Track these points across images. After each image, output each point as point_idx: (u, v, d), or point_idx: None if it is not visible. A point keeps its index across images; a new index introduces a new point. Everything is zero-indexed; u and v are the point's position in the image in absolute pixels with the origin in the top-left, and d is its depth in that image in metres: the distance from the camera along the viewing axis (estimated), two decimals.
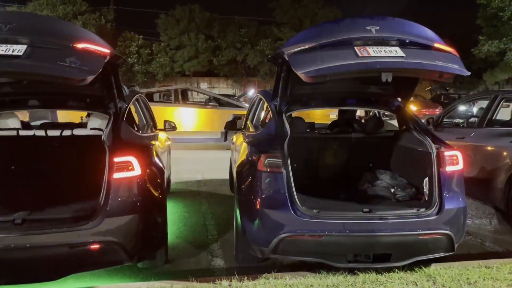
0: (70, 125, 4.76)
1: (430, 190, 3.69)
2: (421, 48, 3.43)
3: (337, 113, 6.00)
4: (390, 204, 3.92)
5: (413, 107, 20.36)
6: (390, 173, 4.49)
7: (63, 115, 9.00)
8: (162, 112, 11.17)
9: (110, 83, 3.83)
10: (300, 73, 3.24)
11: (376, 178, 4.42)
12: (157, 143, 4.94)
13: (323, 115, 11.51)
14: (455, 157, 3.73)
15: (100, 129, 4.18)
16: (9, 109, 4.33)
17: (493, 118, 5.69)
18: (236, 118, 6.45)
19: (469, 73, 3.39)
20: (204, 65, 35.73)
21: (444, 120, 6.76)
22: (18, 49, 2.98)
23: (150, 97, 11.70)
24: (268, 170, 3.58)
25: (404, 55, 3.29)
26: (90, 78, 2.99)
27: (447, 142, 4.00)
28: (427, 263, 3.76)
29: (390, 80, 3.31)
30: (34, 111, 6.04)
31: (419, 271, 3.68)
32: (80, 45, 3.16)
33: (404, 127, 4.52)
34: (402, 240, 3.53)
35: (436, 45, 3.47)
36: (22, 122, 4.55)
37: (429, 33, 3.61)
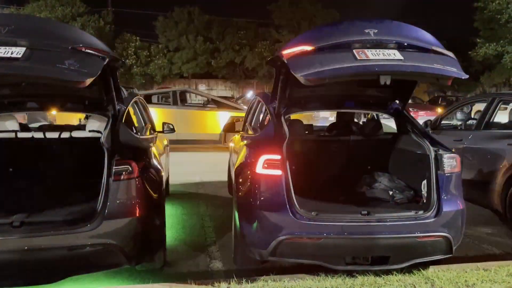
0: (69, 127, 4.76)
1: (428, 192, 3.70)
2: (420, 51, 3.45)
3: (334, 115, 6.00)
4: (389, 206, 3.93)
5: (410, 109, 20.40)
6: (389, 175, 4.49)
7: (60, 117, 8.99)
8: (160, 114, 11.18)
9: (109, 85, 3.83)
10: (299, 76, 3.25)
11: (375, 181, 4.43)
12: (155, 145, 4.93)
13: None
14: (453, 160, 3.75)
15: (98, 132, 4.19)
16: (7, 111, 4.32)
17: (491, 120, 5.70)
18: (235, 120, 6.47)
19: (467, 76, 3.41)
20: (202, 67, 35.72)
21: (442, 122, 6.77)
22: (17, 52, 2.98)
23: (148, 99, 11.70)
24: (267, 172, 3.59)
25: (402, 58, 3.31)
26: (89, 81, 2.99)
27: (445, 144, 4.01)
28: (425, 265, 3.77)
29: (388, 83, 3.32)
30: (32, 113, 6.04)
31: (417, 273, 3.69)
32: (79, 48, 3.17)
33: (402, 129, 4.53)
34: (401, 242, 3.54)
35: (434, 48, 3.49)
36: (20, 124, 4.55)
37: (427, 36, 3.63)
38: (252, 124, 5.47)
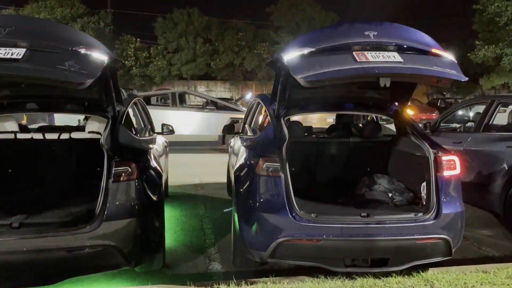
0: (68, 129, 4.75)
1: (428, 194, 3.70)
2: (419, 54, 3.46)
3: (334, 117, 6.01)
4: (388, 208, 3.93)
5: (410, 112, 20.41)
6: (388, 177, 4.49)
7: (60, 118, 8.98)
8: (159, 115, 11.17)
9: (109, 87, 3.83)
10: (299, 78, 3.25)
11: (374, 183, 4.43)
12: (155, 146, 4.94)
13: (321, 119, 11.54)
14: (452, 162, 3.75)
15: (98, 133, 4.19)
16: (7, 112, 4.32)
17: (490, 123, 5.71)
18: (234, 121, 6.46)
19: (466, 79, 3.41)
20: (201, 69, 35.74)
21: (441, 124, 6.78)
22: (17, 53, 2.98)
23: (147, 100, 11.70)
24: (266, 174, 3.59)
25: (402, 60, 3.31)
26: (89, 82, 2.99)
27: (444, 146, 4.02)
28: (424, 267, 3.77)
29: (388, 85, 3.33)
30: (32, 114, 6.03)
31: (416, 275, 3.69)
32: (79, 49, 3.16)
33: (402, 131, 4.54)
34: (400, 244, 3.54)
35: (434, 50, 3.49)
36: (20, 125, 4.54)
37: (427, 38, 3.64)
38: (252, 125, 5.48)
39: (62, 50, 3.14)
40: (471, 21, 27.71)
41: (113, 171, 3.36)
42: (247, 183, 3.80)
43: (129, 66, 32.90)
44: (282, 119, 4.11)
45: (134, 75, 33.71)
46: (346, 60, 3.29)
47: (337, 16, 35.99)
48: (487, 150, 5.34)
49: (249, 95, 25.84)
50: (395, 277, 3.64)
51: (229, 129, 5.95)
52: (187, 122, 11.95)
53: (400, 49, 3.40)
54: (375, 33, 3.41)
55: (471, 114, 9.37)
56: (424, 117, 20.05)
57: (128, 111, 4.34)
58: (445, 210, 3.59)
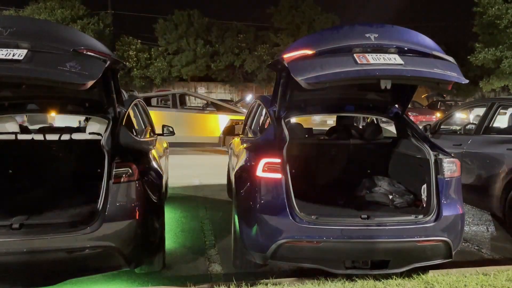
0: (69, 130, 4.76)
1: (428, 196, 3.70)
2: (420, 56, 3.46)
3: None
4: (388, 210, 3.93)
5: (410, 114, 20.42)
6: (388, 179, 4.50)
7: (60, 119, 8.98)
8: (159, 116, 11.17)
9: (110, 88, 3.83)
10: (300, 80, 3.25)
11: (374, 185, 4.44)
12: (155, 148, 4.94)
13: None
14: (453, 164, 3.75)
15: (99, 134, 4.19)
16: (7, 113, 4.32)
17: (490, 125, 5.72)
18: (234, 123, 6.46)
19: (467, 81, 3.42)
20: (201, 70, 35.75)
21: (441, 127, 6.79)
22: (19, 54, 2.98)
23: (148, 101, 11.69)
24: (267, 175, 3.59)
25: (402, 62, 3.31)
26: (90, 83, 3.00)
27: (444, 149, 4.02)
28: (425, 270, 3.77)
29: (389, 87, 3.33)
30: (33, 115, 6.03)
31: (417, 277, 3.69)
32: (80, 50, 3.17)
33: (402, 133, 4.54)
34: (400, 246, 3.54)
35: (435, 53, 3.50)
36: (20, 126, 4.54)
37: (428, 41, 3.64)
38: (252, 127, 5.48)
39: (64, 51, 3.14)
40: (471, 23, 27.74)
41: (114, 172, 3.36)
42: (248, 185, 3.80)
43: (130, 68, 32.91)
44: (282, 121, 4.11)
45: (134, 77, 33.73)
46: (347, 62, 3.30)
47: (338, 18, 36.01)
48: (487, 153, 5.35)
49: (249, 97, 25.88)
50: (395, 279, 3.64)
51: (230, 131, 5.96)
52: (187, 123, 11.96)
53: (400, 51, 3.41)
54: (376, 35, 3.42)
55: (471, 116, 9.40)
56: (424, 119, 20.07)
57: (128, 112, 4.35)
58: (445, 212, 3.59)
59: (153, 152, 4.59)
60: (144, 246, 3.53)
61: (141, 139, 4.51)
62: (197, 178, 8.54)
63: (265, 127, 4.73)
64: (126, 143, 3.73)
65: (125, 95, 4.80)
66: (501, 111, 5.95)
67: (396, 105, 4.69)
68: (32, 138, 4.39)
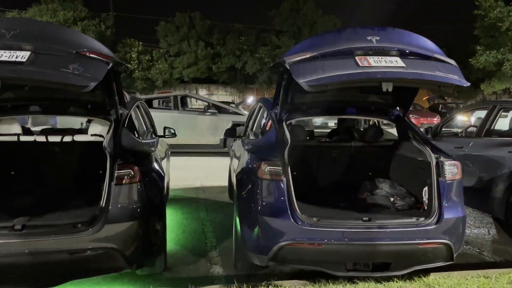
0: (71, 131, 4.77)
1: (430, 199, 3.70)
2: (421, 59, 3.47)
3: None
4: (390, 213, 3.94)
5: (411, 116, 20.41)
6: (390, 182, 4.50)
7: (61, 120, 9.00)
8: (161, 118, 11.19)
9: (112, 90, 3.85)
10: (301, 82, 3.26)
11: (376, 187, 4.44)
12: (157, 149, 4.95)
13: None
14: (454, 167, 3.75)
15: (101, 135, 4.20)
16: (10, 114, 4.33)
17: (492, 128, 5.72)
18: (235, 125, 6.46)
19: (468, 84, 3.42)
20: (203, 72, 35.77)
21: (443, 129, 6.79)
22: (22, 56, 3.00)
23: (149, 103, 11.71)
24: (269, 177, 3.60)
25: (404, 65, 3.32)
26: (93, 85, 3.00)
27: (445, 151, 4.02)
28: (426, 272, 3.77)
29: (390, 90, 3.33)
30: (35, 116, 6.04)
31: (418, 280, 3.69)
32: (83, 52, 3.18)
33: (404, 136, 4.55)
34: (402, 249, 3.54)
35: (436, 55, 3.51)
36: (23, 128, 4.55)
37: (429, 43, 3.65)
38: (254, 129, 5.49)
39: (66, 53, 3.16)
40: (473, 26, 27.75)
41: (116, 174, 3.37)
42: (249, 187, 3.81)
43: (132, 70, 32.96)
44: (284, 123, 4.12)
45: (136, 78, 33.78)
46: (349, 65, 3.31)
47: (339, 20, 36.01)
48: (488, 155, 5.34)
49: (250, 99, 25.92)
50: (396, 281, 3.64)
51: (231, 133, 5.97)
52: (189, 125, 11.97)
53: (402, 54, 3.41)
54: (378, 38, 3.43)
55: (473, 119, 9.39)
56: (425, 122, 20.06)
57: (131, 114, 4.36)
58: (446, 215, 3.59)
59: (155, 154, 4.60)
60: (145, 247, 3.54)
61: (143, 141, 4.52)
62: (198, 180, 8.55)
63: (267, 129, 4.74)
64: (128, 145, 3.74)
65: (127, 97, 4.81)
66: (503, 113, 5.95)
67: (398, 108, 4.70)
68: (35, 140, 4.40)
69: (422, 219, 3.60)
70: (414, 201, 4.11)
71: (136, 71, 33.49)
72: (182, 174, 8.51)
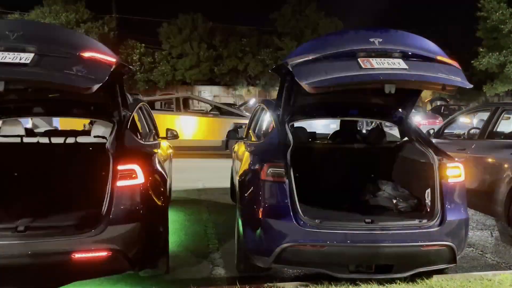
0: (74, 133, 4.78)
1: (432, 201, 3.70)
2: (424, 60, 3.47)
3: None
4: (392, 215, 3.93)
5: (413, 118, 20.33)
6: (392, 183, 4.49)
7: (64, 122, 9.04)
8: (163, 120, 11.22)
9: (115, 91, 3.86)
10: (304, 84, 3.26)
11: (378, 189, 4.43)
12: (159, 151, 4.95)
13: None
14: (457, 169, 3.75)
15: (103, 137, 4.21)
16: (13, 116, 4.35)
17: (494, 130, 5.71)
18: (238, 127, 6.47)
19: (471, 86, 3.43)
20: (205, 74, 35.80)
21: (445, 131, 6.78)
22: (26, 57, 3.01)
23: (151, 105, 11.73)
24: (271, 179, 3.60)
25: (407, 67, 3.32)
26: (96, 87, 3.01)
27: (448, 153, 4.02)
28: (429, 274, 3.76)
29: (393, 91, 3.34)
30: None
31: (421, 282, 3.68)
32: (86, 54, 3.19)
33: (406, 138, 4.54)
34: (404, 251, 3.54)
35: (439, 57, 3.51)
36: (26, 129, 4.57)
37: (432, 45, 3.65)
38: (256, 131, 5.49)
39: (70, 55, 3.17)
40: (475, 28, 27.73)
41: (119, 175, 3.38)
42: (251, 188, 3.81)
43: (134, 71, 33.03)
44: (286, 125, 4.12)
45: (138, 80, 33.84)
46: (351, 67, 3.31)
47: (342, 22, 35.99)
48: (491, 157, 5.34)
49: (252, 101, 25.92)
50: (399, 283, 3.63)
51: (233, 134, 5.97)
52: (191, 127, 11.99)
53: (405, 56, 3.42)
54: (380, 40, 3.43)
55: (475, 121, 9.38)
56: (427, 124, 20.02)
57: (133, 115, 4.37)
58: (449, 217, 3.59)
59: (158, 155, 4.61)
60: (148, 249, 3.54)
61: (146, 143, 4.53)
62: (200, 181, 8.56)
63: (269, 131, 4.74)
64: (130, 147, 3.74)
65: (130, 98, 4.82)
66: (505, 115, 5.94)
67: (400, 110, 4.70)
68: (38, 141, 4.41)
69: (425, 221, 3.59)
70: (416, 203, 4.10)
71: (138, 72, 33.55)
72: (184, 175, 8.51)
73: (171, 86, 35.50)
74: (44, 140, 4.42)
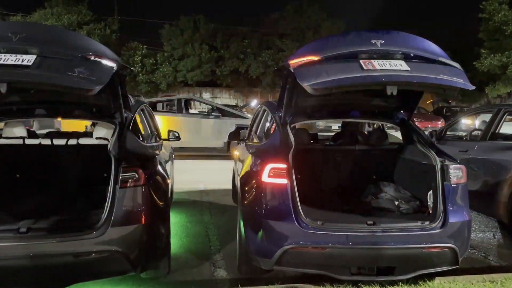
0: (76, 134, 4.78)
1: (434, 203, 3.69)
2: (426, 62, 3.46)
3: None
4: (394, 216, 3.92)
5: (415, 120, 20.35)
6: (394, 185, 4.49)
7: (66, 124, 9.04)
8: (165, 121, 11.22)
9: (117, 93, 3.86)
10: (306, 86, 3.26)
11: (380, 191, 4.42)
12: (161, 153, 4.95)
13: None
14: (459, 170, 3.74)
15: (105, 139, 4.21)
16: (15, 118, 4.36)
17: (496, 131, 5.70)
18: (239, 128, 6.46)
19: (473, 87, 3.41)
20: (207, 75, 35.88)
21: (447, 133, 6.77)
22: (28, 59, 3.01)
23: (153, 106, 11.75)
24: (273, 181, 3.59)
25: (409, 68, 3.32)
26: (98, 89, 3.01)
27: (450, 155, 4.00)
28: (431, 276, 3.75)
29: (395, 93, 3.32)
30: (40, 120, 6.07)
31: (423, 284, 3.67)
32: (88, 56, 3.20)
33: (408, 139, 4.54)
34: (406, 253, 3.52)
35: (441, 59, 3.50)
36: (28, 131, 4.58)
37: (434, 47, 3.64)
38: (258, 132, 5.48)
39: (72, 56, 3.17)
40: (477, 29, 27.72)
41: (120, 177, 3.37)
42: (253, 190, 3.81)
43: (136, 73, 33.09)
44: (288, 126, 4.12)
45: (140, 82, 33.90)
46: (353, 68, 3.30)
47: (344, 24, 36.02)
48: (493, 159, 5.32)
49: (254, 102, 25.93)
50: (401, 285, 3.62)
51: (235, 136, 5.97)
52: (193, 128, 11.99)
53: (407, 58, 3.41)
54: (382, 41, 3.43)
55: (477, 122, 9.36)
56: (429, 125, 20.00)
57: (135, 117, 4.37)
58: (452, 219, 3.58)
59: (159, 157, 4.61)
60: (150, 250, 3.54)
61: (148, 144, 4.53)
62: (202, 183, 8.56)
63: (271, 132, 4.74)
64: (132, 148, 3.74)
65: (132, 100, 4.82)
66: (507, 117, 5.93)
67: (402, 111, 4.69)
68: (40, 143, 4.42)
69: (427, 223, 3.58)
70: (419, 205, 4.09)
71: (140, 74, 33.61)
72: (186, 177, 8.51)
73: (172, 88, 35.56)
74: (46, 141, 4.43)
